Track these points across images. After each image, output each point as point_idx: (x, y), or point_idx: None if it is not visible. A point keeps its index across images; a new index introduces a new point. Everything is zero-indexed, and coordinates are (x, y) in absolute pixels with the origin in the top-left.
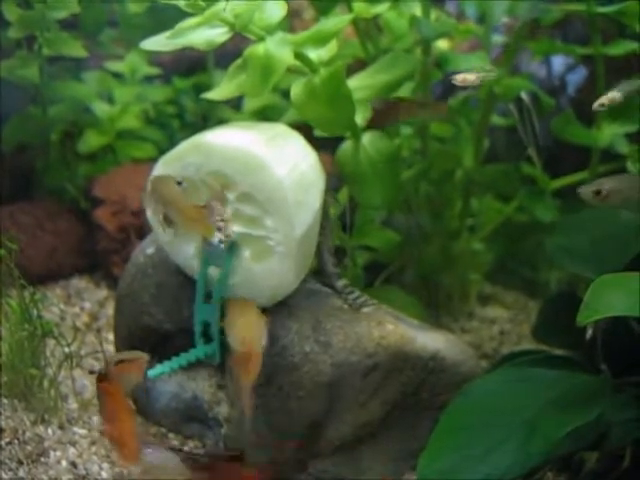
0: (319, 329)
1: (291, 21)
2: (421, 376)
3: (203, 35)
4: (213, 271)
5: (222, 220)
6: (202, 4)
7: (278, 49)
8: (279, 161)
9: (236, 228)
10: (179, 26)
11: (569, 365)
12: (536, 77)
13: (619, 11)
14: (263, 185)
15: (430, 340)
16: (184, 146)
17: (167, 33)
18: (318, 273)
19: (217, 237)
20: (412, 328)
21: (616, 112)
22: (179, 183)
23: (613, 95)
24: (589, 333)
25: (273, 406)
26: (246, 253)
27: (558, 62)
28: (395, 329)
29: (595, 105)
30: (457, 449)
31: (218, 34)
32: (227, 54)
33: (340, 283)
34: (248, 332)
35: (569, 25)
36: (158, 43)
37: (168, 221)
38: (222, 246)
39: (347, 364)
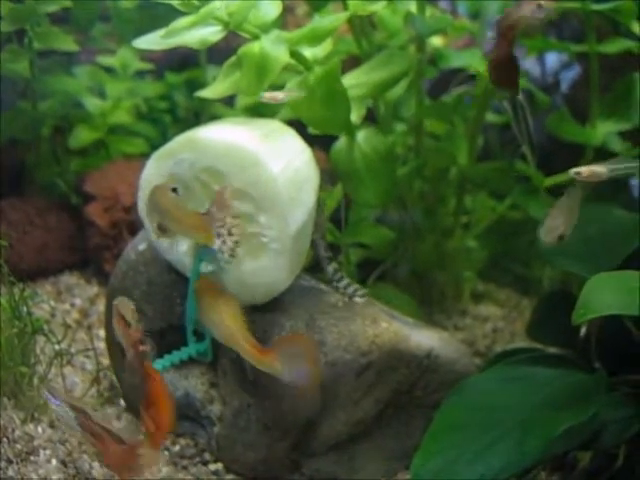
0: (313, 327)
1: (284, 17)
2: (415, 374)
3: (197, 34)
4: (205, 268)
5: (222, 226)
6: (196, 3)
7: (274, 48)
8: (273, 157)
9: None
10: (173, 25)
11: (563, 363)
12: (530, 74)
13: (614, 9)
14: (257, 181)
15: (424, 338)
16: (177, 142)
17: (161, 32)
18: (312, 269)
19: (217, 244)
20: (406, 326)
21: (610, 110)
22: (174, 190)
23: (597, 170)
24: (583, 331)
25: (266, 405)
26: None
27: (552, 59)
28: (389, 327)
29: (572, 171)
30: (451, 448)
31: (212, 33)
32: (219, 49)
33: (330, 267)
34: (222, 323)
35: (564, 22)
36: (151, 41)
37: (162, 229)
38: (223, 253)
39: (341, 362)
